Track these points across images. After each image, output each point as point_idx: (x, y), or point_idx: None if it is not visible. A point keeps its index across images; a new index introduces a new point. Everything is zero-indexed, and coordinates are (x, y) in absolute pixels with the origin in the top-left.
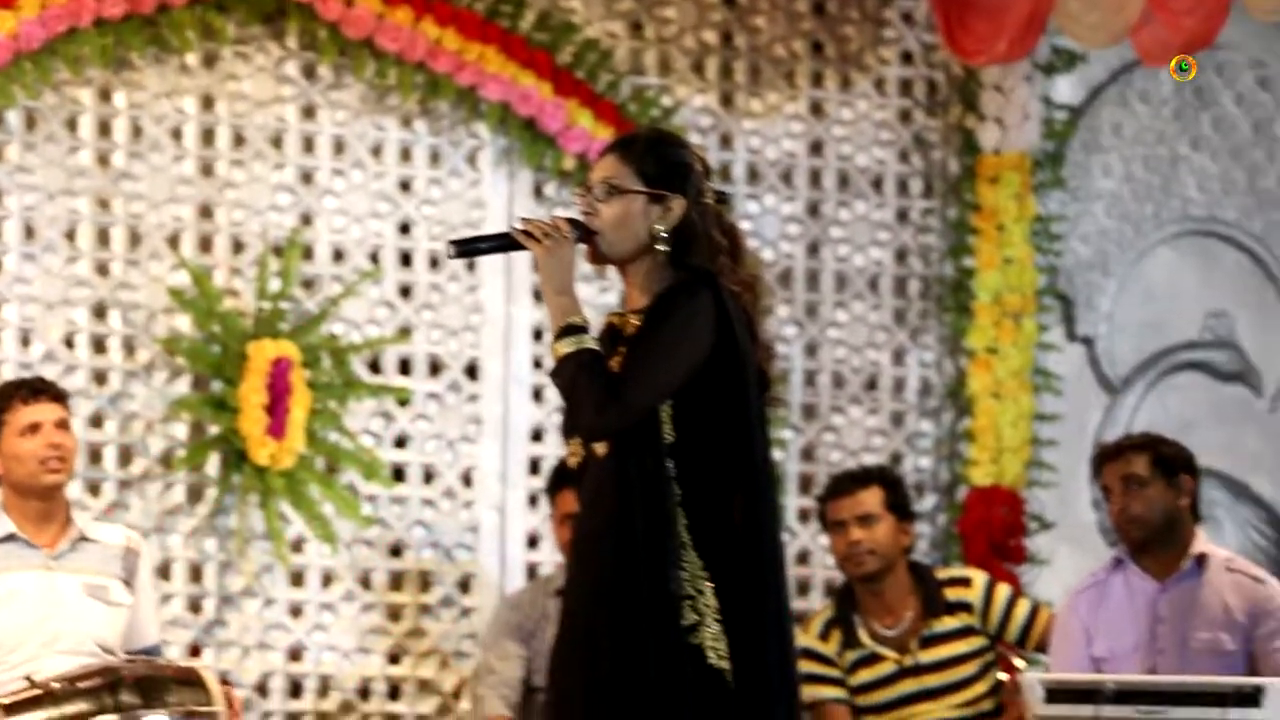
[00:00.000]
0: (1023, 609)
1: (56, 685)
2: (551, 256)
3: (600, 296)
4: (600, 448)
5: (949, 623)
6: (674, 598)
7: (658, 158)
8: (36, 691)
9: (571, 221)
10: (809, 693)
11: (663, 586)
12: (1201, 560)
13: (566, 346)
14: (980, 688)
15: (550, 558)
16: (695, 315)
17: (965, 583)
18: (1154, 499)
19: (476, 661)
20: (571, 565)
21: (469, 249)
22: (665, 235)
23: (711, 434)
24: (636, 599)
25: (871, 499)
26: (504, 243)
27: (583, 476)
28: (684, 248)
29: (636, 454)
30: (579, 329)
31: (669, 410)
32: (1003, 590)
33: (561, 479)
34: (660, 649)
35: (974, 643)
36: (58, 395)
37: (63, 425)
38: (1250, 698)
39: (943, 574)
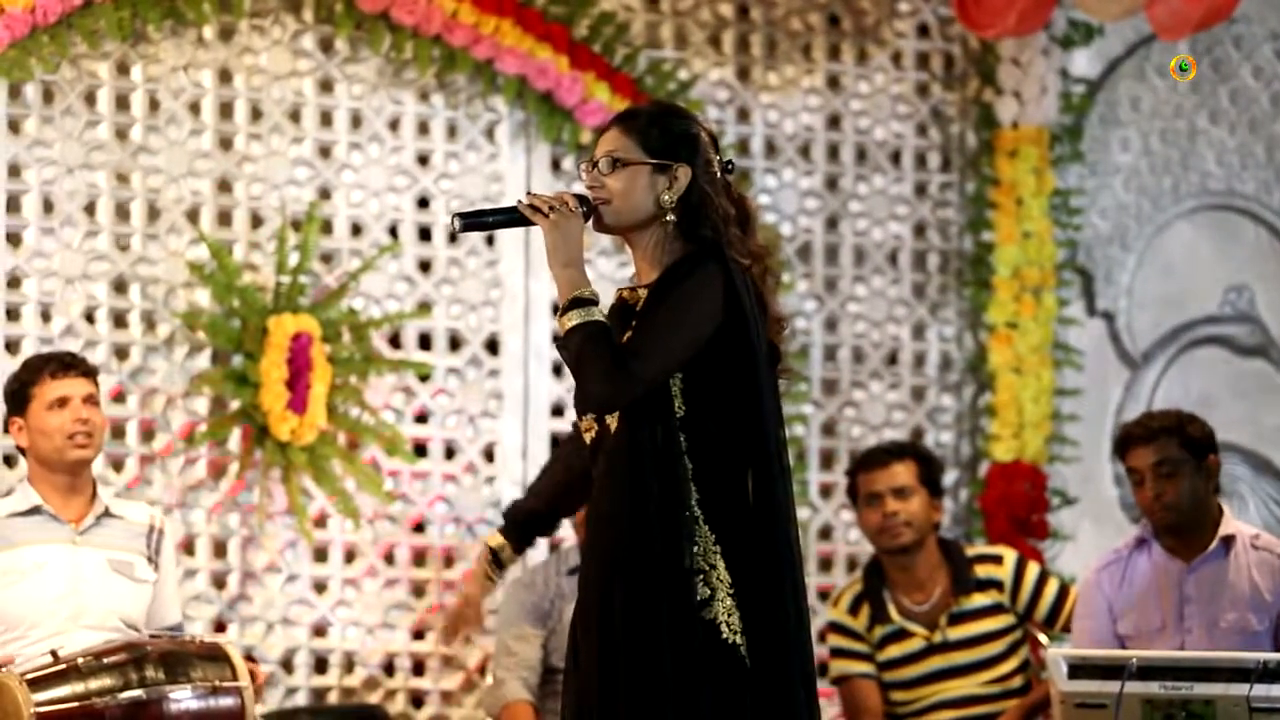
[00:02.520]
0: (1052, 588)
1: (82, 660)
2: (557, 230)
3: (620, 270)
4: (612, 421)
5: (978, 600)
6: (687, 572)
7: (661, 129)
8: (62, 666)
9: (578, 196)
10: (837, 667)
11: (676, 561)
12: (1228, 540)
13: (573, 319)
14: (1008, 665)
15: (572, 533)
16: (703, 288)
17: (996, 560)
18: (1187, 484)
19: (494, 642)
20: (586, 540)
21: (474, 223)
22: (672, 205)
23: (722, 407)
24: (650, 573)
25: (906, 472)
26: (510, 217)
27: (596, 451)
28: (692, 218)
29: (648, 427)
30: (586, 301)
31: (679, 384)
32: (1033, 569)
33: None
34: (674, 624)
35: (1003, 620)
36: (87, 371)
37: (91, 401)
38: (1275, 673)
39: (972, 551)
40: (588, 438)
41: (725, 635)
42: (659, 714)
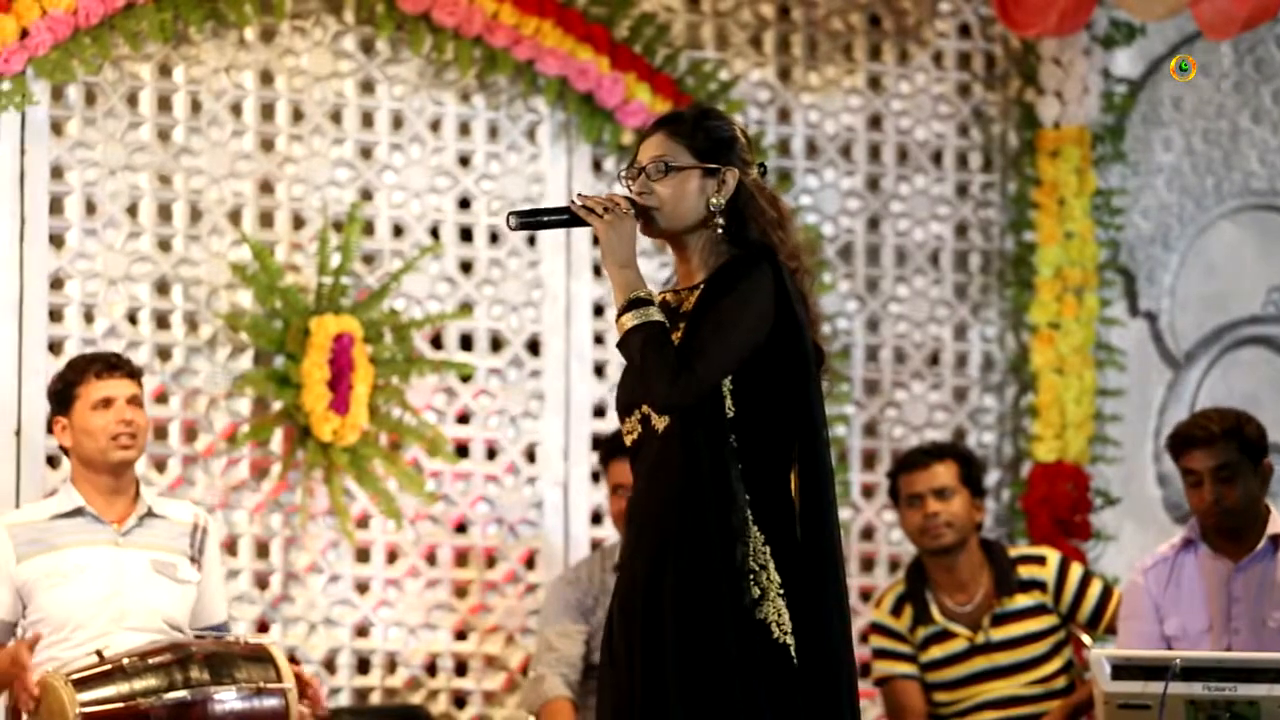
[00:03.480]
0: (1095, 589)
1: (127, 661)
2: (612, 231)
3: (660, 272)
4: (661, 422)
5: (1021, 600)
6: (739, 573)
7: (706, 132)
8: (107, 667)
9: (627, 199)
10: (880, 668)
11: (728, 561)
12: (1276, 540)
13: (632, 319)
14: (1052, 666)
15: (614, 533)
16: (757, 289)
17: (1039, 561)
18: (1244, 488)
19: (536, 638)
20: (629, 539)
21: (530, 221)
22: (721, 208)
23: (772, 408)
24: (702, 573)
25: (947, 472)
26: (565, 217)
27: (636, 453)
28: (739, 220)
29: (701, 428)
30: (644, 302)
31: (729, 384)
32: (1076, 570)
33: (613, 449)
34: (726, 624)
35: (1046, 621)
36: (132, 372)
37: (135, 402)
38: None
39: (1015, 552)
40: (629, 439)
41: (775, 635)
42: (714, 715)
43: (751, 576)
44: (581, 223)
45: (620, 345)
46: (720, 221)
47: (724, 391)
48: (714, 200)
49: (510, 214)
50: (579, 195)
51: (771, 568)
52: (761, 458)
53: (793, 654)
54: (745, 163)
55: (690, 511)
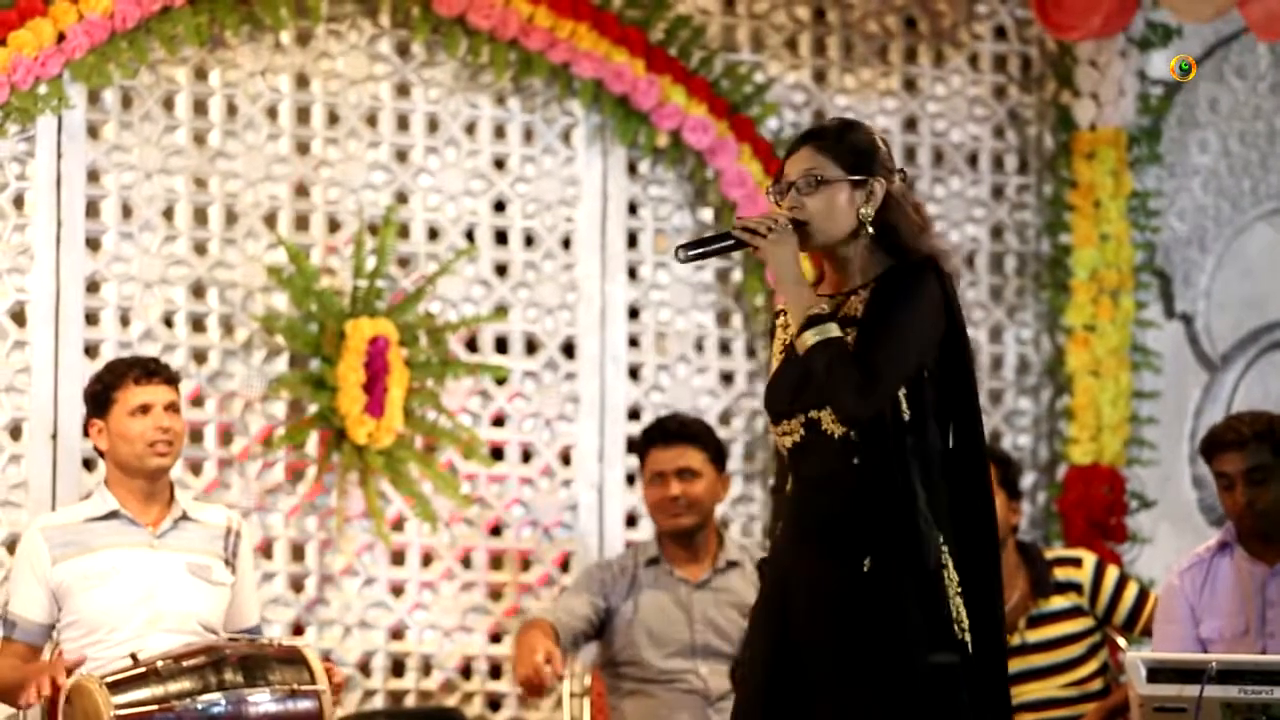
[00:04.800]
0: (1132, 591)
1: (161, 663)
2: (778, 249)
3: (695, 275)
4: (837, 428)
5: (1057, 602)
6: (931, 573)
7: (850, 145)
8: (141, 669)
9: (788, 217)
10: None
11: (922, 562)
12: None
13: (813, 337)
14: (1088, 668)
15: (648, 533)
16: (928, 298)
17: (1075, 563)
18: (1276, 491)
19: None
20: (792, 541)
21: (697, 253)
22: (870, 219)
23: (941, 411)
24: (899, 576)
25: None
26: (729, 243)
27: (801, 455)
28: (888, 229)
29: (880, 430)
30: (823, 318)
31: (904, 389)
32: (1112, 572)
33: (655, 437)
34: (925, 624)
35: (1082, 623)
36: (170, 378)
37: (172, 408)
38: None
39: (1051, 554)
40: (788, 441)
41: (957, 634)
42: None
43: (940, 573)
44: (745, 246)
45: (806, 360)
46: (870, 231)
47: (899, 396)
48: (863, 211)
49: (678, 248)
50: (738, 219)
51: (951, 566)
52: (932, 459)
53: (970, 650)
54: (889, 171)
55: (879, 516)
